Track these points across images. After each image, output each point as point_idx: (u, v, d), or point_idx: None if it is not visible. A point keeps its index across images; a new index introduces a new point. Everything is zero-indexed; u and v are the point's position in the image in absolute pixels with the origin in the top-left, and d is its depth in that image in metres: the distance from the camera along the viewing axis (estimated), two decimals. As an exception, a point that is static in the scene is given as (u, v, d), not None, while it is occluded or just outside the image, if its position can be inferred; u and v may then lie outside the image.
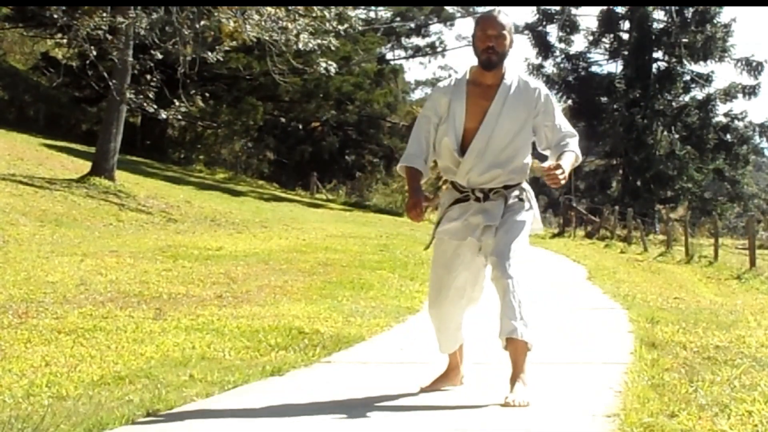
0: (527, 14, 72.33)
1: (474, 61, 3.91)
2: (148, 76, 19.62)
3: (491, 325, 3.84)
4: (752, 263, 17.41)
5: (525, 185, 3.96)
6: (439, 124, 3.91)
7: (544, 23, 42.13)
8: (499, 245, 3.76)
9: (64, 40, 27.56)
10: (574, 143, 3.91)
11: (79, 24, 18.19)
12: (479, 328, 4.49)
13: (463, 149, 3.84)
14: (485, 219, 3.82)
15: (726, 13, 47.92)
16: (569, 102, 42.60)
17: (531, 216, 3.93)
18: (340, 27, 20.61)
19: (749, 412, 3.55)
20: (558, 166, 3.70)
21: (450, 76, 4.36)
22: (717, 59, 40.08)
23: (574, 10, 41.92)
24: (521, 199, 3.89)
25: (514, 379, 3.76)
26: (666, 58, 41.07)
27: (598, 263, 15.36)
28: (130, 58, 20.02)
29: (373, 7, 43.07)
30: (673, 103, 40.75)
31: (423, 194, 3.90)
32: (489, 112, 3.80)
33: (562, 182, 3.69)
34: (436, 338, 4.09)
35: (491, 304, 3.91)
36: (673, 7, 39.92)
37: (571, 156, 3.86)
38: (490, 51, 3.78)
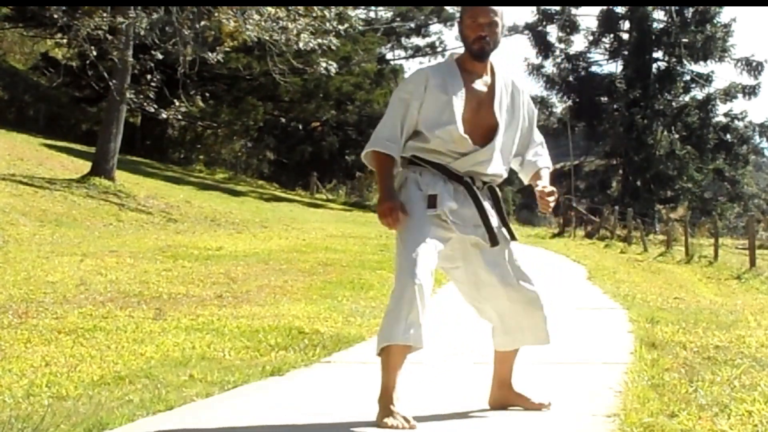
0: (527, 14, 72.45)
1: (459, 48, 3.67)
2: (148, 76, 19.67)
3: (485, 326, 3.83)
4: (752, 263, 17.41)
5: None
6: (420, 108, 3.55)
7: (544, 23, 42.15)
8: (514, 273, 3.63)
9: (64, 40, 27.60)
10: (545, 154, 3.81)
11: (79, 24, 18.20)
12: (478, 328, 4.48)
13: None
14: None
15: (726, 13, 48.08)
16: (569, 102, 42.64)
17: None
18: (340, 27, 20.62)
19: (749, 412, 3.55)
20: (552, 192, 3.62)
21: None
22: (717, 59, 40.12)
23: (574, 10, 41.97)
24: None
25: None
26: (666, 58, 41.10)
27: (598, 263, 15.36)
28: (130, 58, 20.03)
29: (373, 7, 43.09)
30: (673, 103, 40.77)
31: (398, 198, 3.52)
32: (495, 106, 3.59)
33: (552, 205, 3.63)
34: (415, 321, 3.35)
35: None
36: (673, 7, 39.95)
37: (548, 174, 3.76)
38: (483, 40, 3.53)
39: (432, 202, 3.50)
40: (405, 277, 3.37)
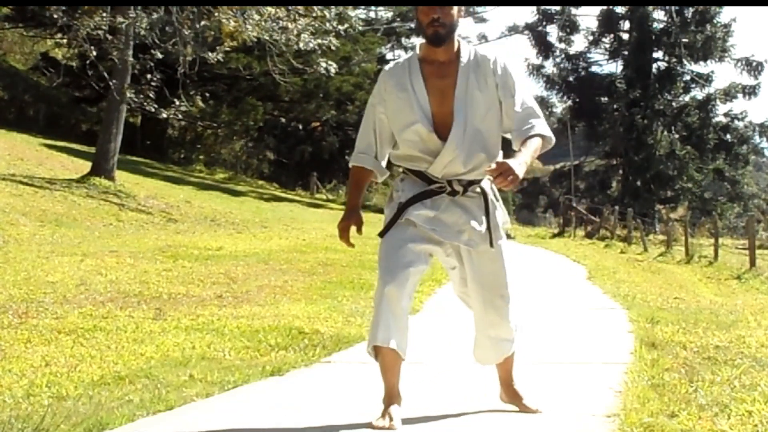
0: (527, 14, 72.46)
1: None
2: (148, 76, 19.64)
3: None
4: (752, 263, 17.39)
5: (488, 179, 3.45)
6: (386, 111, 3.44)
7: (544, 23, 42.18)
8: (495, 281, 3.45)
9: (64, 40, 27.59)
10: (540, 125, 3.40)
11: (79, 24, 18.20)
12: (472, 328, 4.47)
13: (438, 136, 3.36)
14: (469, 220, 3.40)
15: (726, 13, 48.07)
16: (569, 102, 42.66)
17: (504, 221, 3.55)
18: (340, 27, 20.62)
19: (749, 412, 3.55)
20: (503, 166, 3.14)
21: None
22: (717, 59, 40.16)
23: (574, 10, 41.99)
24: (496, 198, 3.51)
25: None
26: (666, 58, 41.14)
27: (598, 263, 15.35)
28: (130, 58, 20.03)
29: (373, 7, 43.08)
30: (673, 103, 40.80)
31: (358, 217, 3.52)
32: (456, 94, 3.34)
33: (512, 184, 3.17)
34: (380, 324, 3.37)
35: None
36: (673, 7, 39.96)
37: (534, 143, 3.35)
38: (435, 24, 3.30)
39: (399, 210, 3.45)
40: (378, 287, 3.40)
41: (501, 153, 3.50)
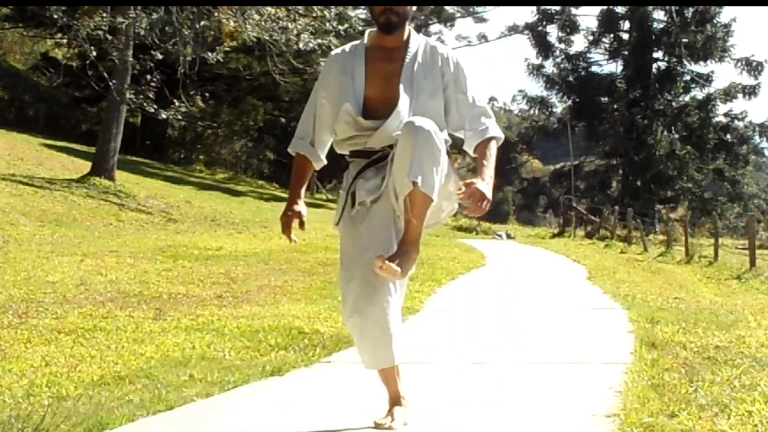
0: (527, 14, 72.57)
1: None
2: (148, 76, 19.65)
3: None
4: (752, 263, 17.38)
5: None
6: (328, 96, 3.40)
7: (544, 23, 42.19)
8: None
9: (64, 40, 27.60)
10: (493, 126, 3.36)
11: (79, 24, 18.20)
12: (476, 329, 4.48)
13: (365, 116, 3.29)
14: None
15: (726, 13, 48.09)
16: (569, 102, 42.67)
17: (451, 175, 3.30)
18: (340, 27, 20.61)
19: (749, 412, 3.54)
20: (475, 193, 3.10)
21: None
22: (717, 59, 40.16)
23: (574, 10, 42.01)
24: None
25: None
26: (666, 58, 41.13)
27: (598, 263, 15.34)
28: (130, 58, 20.05)
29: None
30: (673, 103, 40.80)
31: (301, 211, 3.41)
32: (402, 77, 3.30)
33: (485, 210, 3.13)
34: (368, 346, 3.37)
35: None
36: (673, 7, 39.96)
37: (493, 152, 3.30)
38: (389, 12, 3.28)
39: (352, 200, 3.34)
40: (343, 311, 3.33)
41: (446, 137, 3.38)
